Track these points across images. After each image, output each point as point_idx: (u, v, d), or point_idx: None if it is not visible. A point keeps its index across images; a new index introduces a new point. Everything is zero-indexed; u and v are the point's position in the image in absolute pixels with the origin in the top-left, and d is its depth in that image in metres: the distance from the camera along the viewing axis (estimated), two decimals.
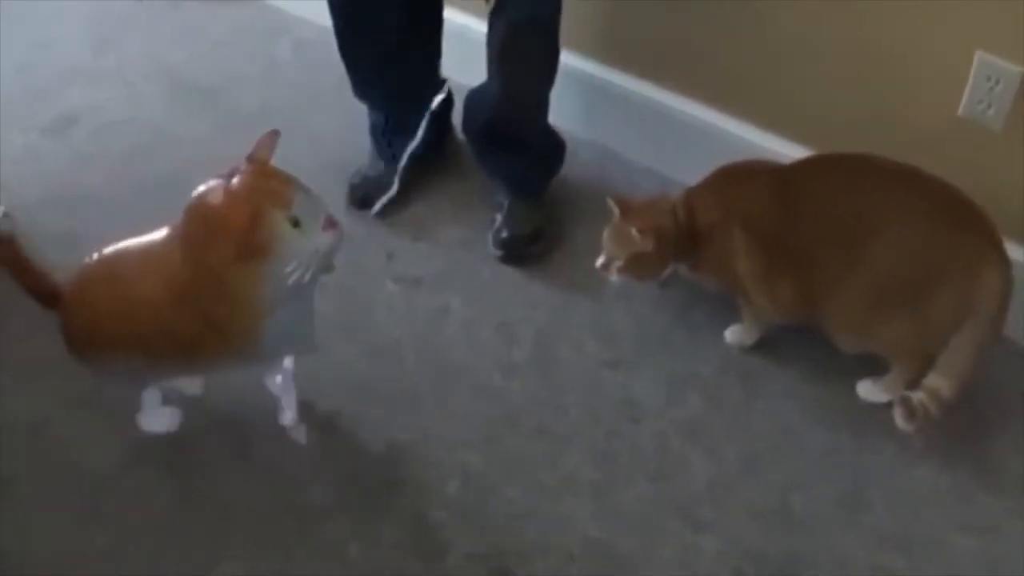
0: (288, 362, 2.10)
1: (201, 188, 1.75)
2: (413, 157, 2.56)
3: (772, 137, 2.42)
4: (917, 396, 1.98)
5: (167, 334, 1.84)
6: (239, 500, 2.04)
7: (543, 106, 2.42)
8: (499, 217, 2.48)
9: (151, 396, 2.09)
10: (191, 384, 2.13)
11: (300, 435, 2.09)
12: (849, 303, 2.04)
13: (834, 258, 2.02)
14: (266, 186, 1.73)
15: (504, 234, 2.45)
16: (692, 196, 2.18)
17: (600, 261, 2.21)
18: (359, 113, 2.63)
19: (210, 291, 1.78)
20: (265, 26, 3.10)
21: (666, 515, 2.02)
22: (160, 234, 1.85)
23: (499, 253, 2.46)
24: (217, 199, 1.71)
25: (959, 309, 1.96)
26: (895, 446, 2.08)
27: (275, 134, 1.78)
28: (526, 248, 2.46)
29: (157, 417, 2.10)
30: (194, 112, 2.85)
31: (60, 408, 2.17)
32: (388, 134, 2.60)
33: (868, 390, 2.17)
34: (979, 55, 2.07)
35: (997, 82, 2.07)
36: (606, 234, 2.20)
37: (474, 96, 2.48)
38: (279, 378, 2.09)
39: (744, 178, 2.15)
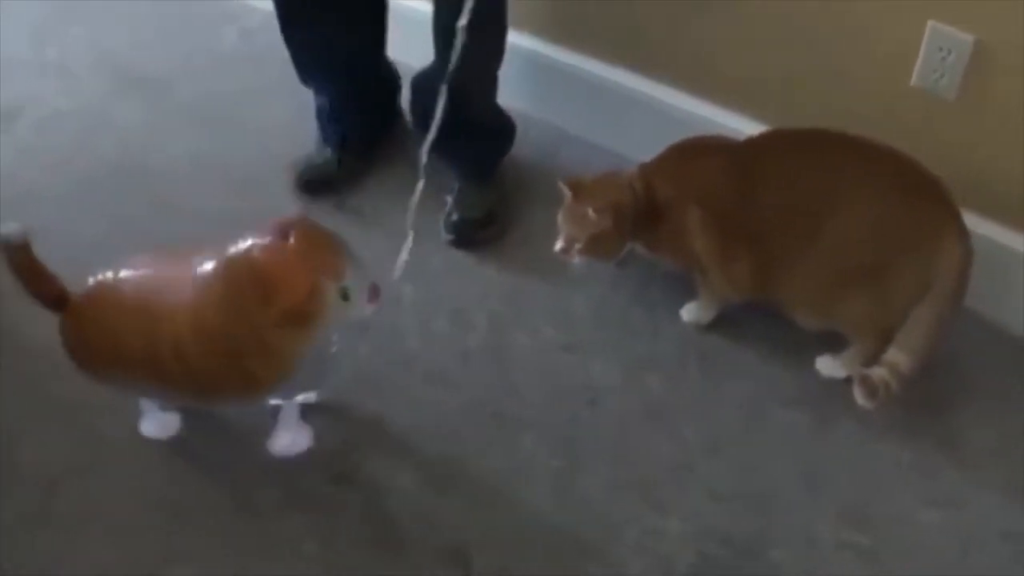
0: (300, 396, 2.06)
1: (251, 242, 1.70)
2: (358, 142, 2.54)
3: (725, 112, 2.40)
4: (877, 372, 1.97)
5: (187, 373, 1.80)
6: (190, 500, 2.00)
7: (492, 86, 2.40)
8: (450, 201, 2.45)
9: (150, 402, 2.06)
10: None
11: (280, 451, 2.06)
12: (808, 279, 2.02)
13: (792, 234, 2.00)
14: (323, 256, 1.71)
15: (455, 218, 2.42)
16: (648, 172, 2.15)
17: (559, 245, 2.18)
18: (307, 100, 2.61)
19: (247, 345, 1.75)
20: (210, 14, 3.07)
21: (628, 499, 1.99)
22: (193, 268, 1.78)
23: (450, 238, 2.43)
24: (273, 262, 1.68)
25: (919, 283, 1.95)
26: (856, 422, 2.07)
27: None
28: (478, 232, 2.43)
29: (157, 423, 2.07)
30: (139, 103, 2.82)
31: (11, 408, 2.13)
32: (334, 119, 2.57)
33: (827, 366, 2.16)
34: (931, 25, 2.05)
35: (949, 52, 2.05)
36: (561, 217, 2.17)
37: (421, 78, 2.44)
38: (285, 405, 2.04)
39: (700, 154, 2.13)
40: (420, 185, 2.06)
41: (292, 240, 1.68)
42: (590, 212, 2.09)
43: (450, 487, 2.02)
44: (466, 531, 1.95)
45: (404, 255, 2.04)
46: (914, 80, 2.11)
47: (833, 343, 2.13)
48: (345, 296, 1.71)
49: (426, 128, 2.34)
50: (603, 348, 2.24)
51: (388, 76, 2.61)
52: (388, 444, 2.08)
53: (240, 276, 1.70)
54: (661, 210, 2.12)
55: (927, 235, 1.94)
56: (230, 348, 1.75)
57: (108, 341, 1.85)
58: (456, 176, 2.47)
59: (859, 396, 1.98)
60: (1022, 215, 2.13)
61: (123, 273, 1.87)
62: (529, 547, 1.93)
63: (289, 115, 2.70)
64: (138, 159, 2.63)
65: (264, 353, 1.75)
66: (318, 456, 2.05)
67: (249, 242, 1.69)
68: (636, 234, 2.16)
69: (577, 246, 2.14)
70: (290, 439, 2.04)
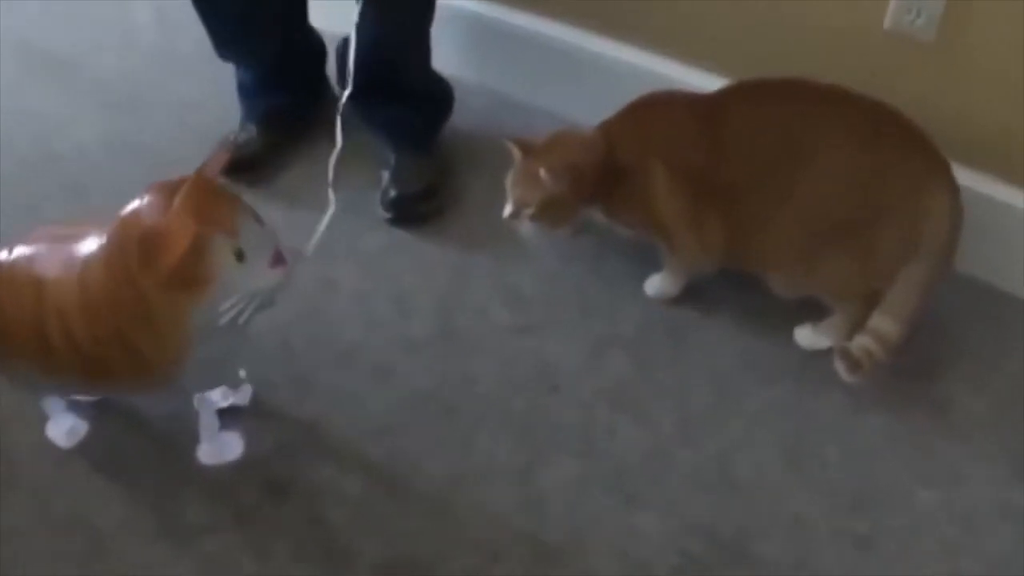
0: (216, 395, 1.94)
1: (138, 201, 1.61)
2: (284, 117, 2.47)
3: (683, 67, 2.32)
4: (860, 343, 1.90)
5: (75, 353, 1.71)
6: (110, 521, 1.86)
7: (424, 47, 2.31)
8: (386, 175, 2.35)
9: (55, 404, 1.95)
10: None
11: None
12: (784, 241, 1.93)
13: (765, 192, 1.92)
14: (213, 209, 1.59)
15: (393, 193, 2.32)
16: (607, 130, 2.06)
17: (507, 211, 2.07)
18: (228, 75, 2.52)
19: (132, 314, 1.64)
20: None
21: (598, 495, 1.88)
22: (87, 237, 1.71)
23: (388, 215, 2.32)
24: (156, 217, 1.58)
25: (905, 242, 1.87)
26: (842, 395, 1.98)
27: (228, 147, 1.63)
28: (418, 207, 2.33)
29: (63, 427, 1.96)
30: (51, 84, 2.74)
31: None
32: (257, 93, 2.50)
33: (807, 336, 2.07)
34: None
35: None
36: (510, 179, 2.07)
37: (347, 45, 2.27)
38: (202, 410, 1.92)
39: (663, 109, 2.04)
40: (337, 149, 1.96)
41: (179, 196, 1.57)
42: (543, 173, 1.98)
43: (401, 492, 1.90)
44: (421, 540, 1.83)
45: (322, 226, 1.91)
46: (888, 23, 2.03)
47: (812, 311, 2.05)
48: (240, 256, 1.59)
49: (357, 97, 2.25)
50: (561, 329, 2.14)
51: (312, 45, 2.53)
52: (329, 447, 1.96)
53: (122, 238, 1.62)
54: (622, 171, 2.02)
55: (914, 190, 1.86)
56: (115, 321, 1.65)
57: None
58: (391, 148, 2.38)
59: (841, 371, 1.90)
60: (1008, 164, 2.05)
61: (17, 251, 1.77)
62: (491, 554, 1.81)
63: (209, 92, 2.62)
64: (48, 143, 2.55)
65: (150, 325, 1.64)
66: (251, 465, 1.92)
67: (137, 203, 1.62)
68: (594, 198, 2.06)
69: (528, 211, 2.04)
70: (217, 447, 1.92)
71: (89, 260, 1.67)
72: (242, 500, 1.87)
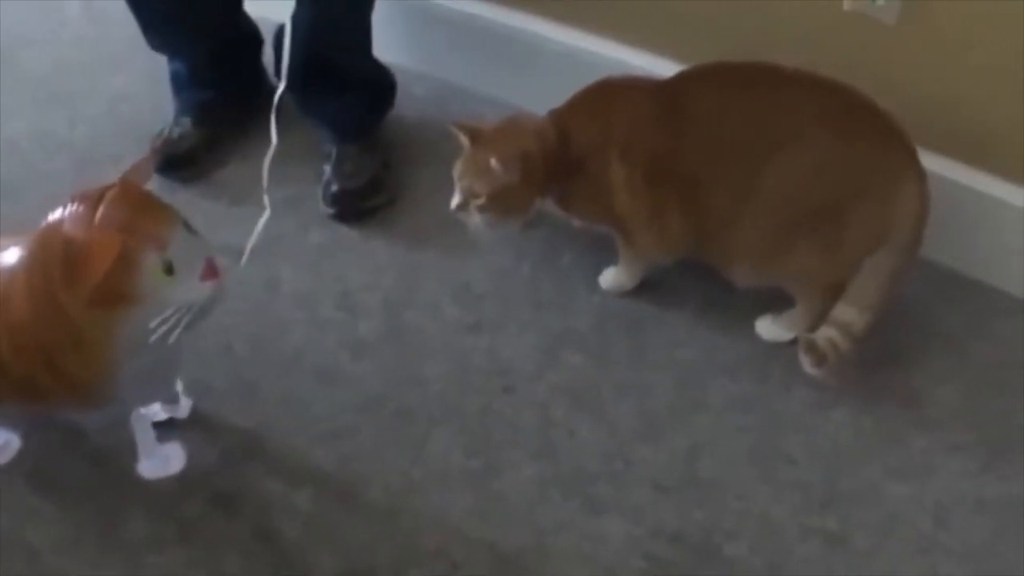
0: (154, 409, 1.88)
1: (59, 213, 1.54)
2: (219, 110, 2.40)
3: (636, 52, 2.26)
4: (824, 335, 1.87)
5: (2, 375, 1.66)
6: (47, 540, 1.80)
7: (364, 33, 2.26)
8: (328, 169, 2.29)
9: None
10: None
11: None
12: (747, 231, 1.89)
13: (727, 181, 1.88)
14: (139, 221, 1.52)
15: (335, 188, 2.26)
16: (560, 117, 2.00)
17: (455, 201, 2.01)
18: (161, 67, 2.46)
19: (56, 332, 1.58)
20: None
21: (558, 500, 1.83)
22: (8, 249, 1.65)
23: (331, 211, 2.26)
24: (78, 231, 1.50)
25: (873, 232, 1.84)
26: (807, 389, 1.95)
27: (153, 154, 1.59)
28: (362, 202, 2.27)
29: None
30: None
31: None
32: (191, 85, 2.43)
33: (769, 329, 2.03)
34: None
35: None
36: (459, 168, 2.00)
37: (283, 32, 2.26)
38: (138, 425, 1.85)
39: (619, 95, 1.98)
40: (272, 147, 1.91)
41: (103, 207, 1.51)
42: (493, 162, 1.92)
43: (353, 500, 1.85)
44: (377, 551, 1.78)
45: (257, 231, 1.86)
46: (847, 3, 1.98)
47: (773, 302, 2.01)
48: (168, 270, 1.52)
49: (295, 86, 2.20)
50: (514, 325, 2.09)
51: (248, 34, 2.46)
52: (276, 456, 1.91)
53: (44, 251, 1.55)
54: (577, 160, 1.97)
55: (882, 177, 1.82)
56: (39, 340, 1.60)
57: None
58: (332, 140, 2.32)
59: (805, 364, 1.87)
60: (973, 148, 2.02)
61: None
62: (451, 563, 1.76)
63: (142, 84, 2.56)
64: None
65: (76, 346, 1.58)
66: (195, 477, 1.86)
67: (59, 214, 1.54)
68: (547, 188, 2.01)
69: (477, 202, 1.98)
70: (158, 461, 1.85)
71: (10, 275, 1.60)
72: (187, 514, 1.82)
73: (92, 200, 1.51)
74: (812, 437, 1.90)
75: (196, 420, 1.92)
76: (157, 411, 1.87)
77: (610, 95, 1.98)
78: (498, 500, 1.83)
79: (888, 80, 1.92)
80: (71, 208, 1.52)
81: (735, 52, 1.93)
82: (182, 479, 1.85)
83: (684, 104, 1.91)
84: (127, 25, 2.34)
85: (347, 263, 2.20)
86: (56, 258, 1.51)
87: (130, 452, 1.84)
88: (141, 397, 1.78)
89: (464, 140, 1.99)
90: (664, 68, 2.10)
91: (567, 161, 1.96)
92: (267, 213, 1.85)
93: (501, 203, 1.98)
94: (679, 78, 1.97)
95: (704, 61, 1.98)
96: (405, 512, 1.82)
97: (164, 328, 1.55)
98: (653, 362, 2.02)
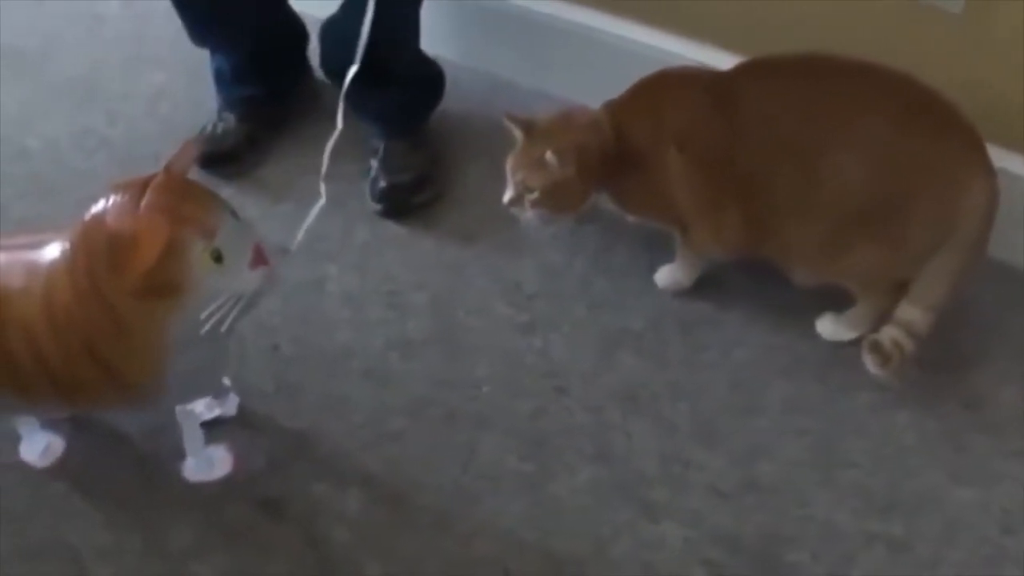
0: (200, 407, 1.85)
1: (103, 203, 1.50)
2: (263, 106, 2.39)
3: (693, 45, 2.22)
4: (888, 334, 1.83)
5: (44, 371, 1.62)
6: (91, 545, 1.78)
7: (412, 28, 2.22)
8: (375, 165, 2.27)
9: (28, 422, 1.87)
10: None
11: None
12: (808, 228, 1.85)
13: (789, 177, 1.83)
14: (186, 209, 1.49)
15: (383, 184, 2.24)
16: (616, 110, 1.97)
17: (508, 196, 1.98)
18: (204, 63, 2.44)
19: (102, 327, 1.55)
20: None
21: (614, 504, 1.81)
22: (50, 244, 1.61)
23: (379, 207, 2.24)
24: (123, 221, 1.47)
25: (938, 229, 1.79)
26: (869, 390, 1.91)
27: (199, 139, 1.54)
28: (409, 198, 2.25)
29: (38, 446, 1.88)
30: (16, 80, 2.63)
31: None
32: (235, 81, 2.41)
33: (830, 328, 2.00)
34: None
35: None
36: (511, 163, 1.97)
37: (330, 27, 2.28)
38: (185, 423, 1.83)
39: (676, 88, 1.95)
40: (336, 132, 1.87)
41: (148, 194, 1.47)
42: (548, 155, 1.88)
43: (401, 507, 1.82)
44: (426, 558, 1.76)
45: (310, 219, 1.83)
46: None
47: (835, 301, 1.97)
48: (218, 258, 1.49)
49: (342, 82, 2.18)
50: (566, 325, 2.06)
51: (293, 28, 2.44)
52: (324, 460, 1.88)
53: (87, 243, 1.52)
54: (633, 154, 1.94)
55: (949, 172, 1.77)
56: (84, 336, 1.56)
57: None
58: (380, 136, 2.30)
59: (869, 364, 1.83)
60: None
61: None
62: (503, 572, 1.74)
63: (182, 82, 2.54)
64: (16, 141, 2.46)
65: (123, 338, 1.55)
66: (241, 481, 1.85)
67: (102, 205, 1.51)
68: (602, 183, 1.98)
69: (531, 197, 1.95)
70: (204, 462, 1.84)
71: (52, 269, 1.57)
72: (233, 519, 1.81)
73: (136, 189, 1.49)
74: (873, 440, 1.87)
75: (242, 422, 1.91)
76: (204, 410, 1.85)
77: (666, 87, 1.96)
78: (552, 505, 1.81)
79: (955, 72, 1.88)
80: (113, 198, 1.50)
81: (793, 41, 1.89)
82: (227, 483, 1.84)
83: (741, 99, 1.88)
84: (167, 22, 2.33)
85: (394, 261, 2.18)
86: (100, 249, 1.49)
87: (173, 455, 1.83)
88: (189, 392, 1.76)
89: (518, 133, 1.96)
90: (717, 59, 2.07)
91: (622, 154, 1.94)
92: (322, 201, 1.81)
93: (555, 198, 1.95)
94: (735, 71, 1.94)
95: (760, 51, 1.95)
96: (456, 517, 1.80)
97: (214, 319, 1.52)
98: (710, 363, 1.99)
